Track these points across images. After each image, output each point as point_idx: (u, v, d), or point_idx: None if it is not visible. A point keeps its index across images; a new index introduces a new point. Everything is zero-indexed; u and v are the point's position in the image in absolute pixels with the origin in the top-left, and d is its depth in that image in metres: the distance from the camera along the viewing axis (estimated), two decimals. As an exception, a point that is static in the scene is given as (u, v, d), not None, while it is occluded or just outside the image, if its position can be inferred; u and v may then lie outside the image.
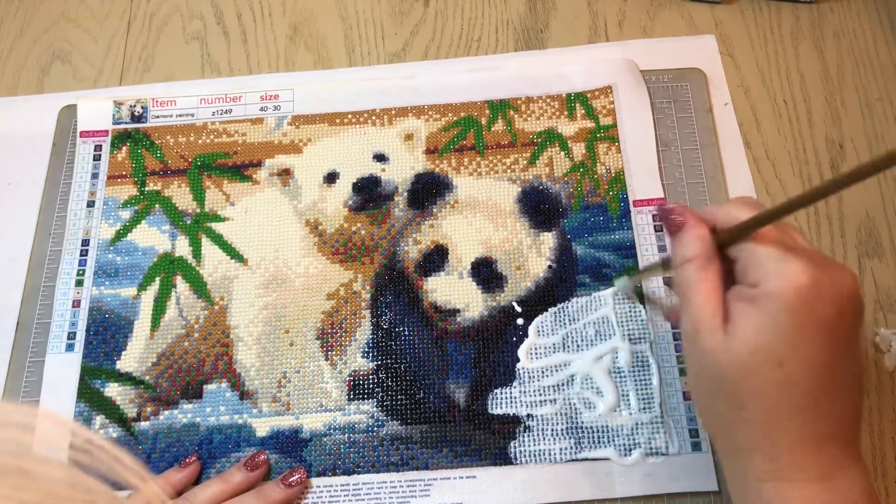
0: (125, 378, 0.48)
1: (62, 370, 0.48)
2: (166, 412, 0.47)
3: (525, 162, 0.53)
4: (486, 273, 0.49)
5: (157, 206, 0.53)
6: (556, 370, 0.47)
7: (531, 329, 0.48)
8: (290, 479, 0.44)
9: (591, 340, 0.47)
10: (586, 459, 0.45)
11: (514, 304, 0.49)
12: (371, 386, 0.47)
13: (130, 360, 0.49)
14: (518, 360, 0.47)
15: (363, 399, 0.47)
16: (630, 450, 0.44)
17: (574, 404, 0.46)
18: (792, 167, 0.53)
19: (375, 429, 0.46)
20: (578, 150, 0.53)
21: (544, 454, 0.45)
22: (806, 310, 0.31)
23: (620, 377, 0.46)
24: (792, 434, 0.33)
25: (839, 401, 0.33)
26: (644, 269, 0.48)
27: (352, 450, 0.46)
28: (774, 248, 0.33)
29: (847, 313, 0.32)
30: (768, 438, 0.33)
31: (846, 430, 0.33)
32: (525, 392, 0.46)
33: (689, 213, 0.36)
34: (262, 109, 0.56)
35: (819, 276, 0.32)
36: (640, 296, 0.48)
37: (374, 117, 0.55)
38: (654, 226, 0.50)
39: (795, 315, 0.31)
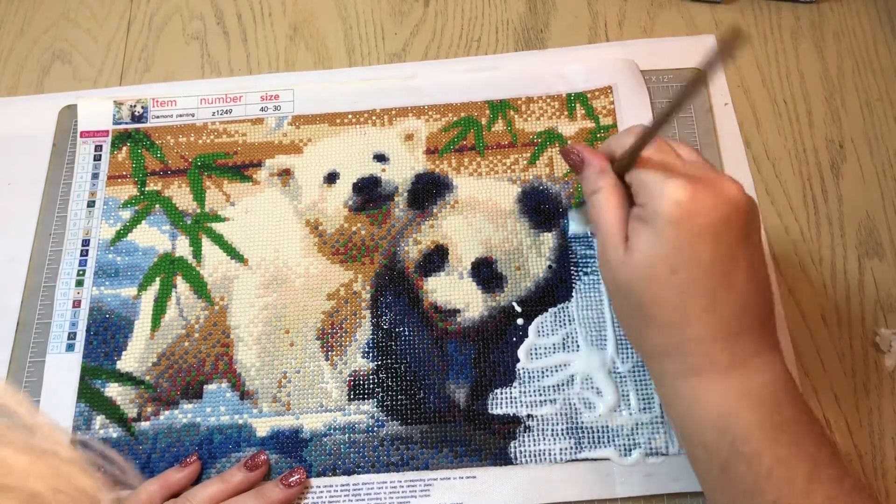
0: (125, 378, 0.48)
1: (62, 370, 0.48)
2: (166, 412, 0.47)
3: (525, 162, 0.53)
4: (486, 273, 0.49)
5: (157, 206, 0.53)
6: (556, 370, 0.47)
7: (531, 329, 0.48)
8: (290, 480, 0.44)
9: (592, 341, 0.47)
10: (586, 459, 0.45)
11: (514, 304, 0.49)
12: (371, 386, 0.47)
13: (131, 360, 0.49)
14: (518, 361, 0.47)
15: (363, 399, 0.47)
16: (630, 450, 0.44)
17: (574, 404, 0.46)
18: (792, 167, 0.53)
19: (375, 429, 0.46)
20: (578, 150, 0.53)
21: (544, 454, 0.45)
22: (688, 220, 0.35)
23: (620, 377, 0.46)
24: (696, 332, 0.36)
25: (740, 298, 0.35)
26: (581, 202, 0.49)
27: (352, 450, 0.46)
28: (656, 170, 0.36)
29: (731, 218, 0.35)
30: (675, 339, 0.36)
31: (755, 323, 0.36)
32: (525, 392, 0.46)
33: (588, 150, 0.40)
34: (262, 109, 0.56)
35: (696, 188, 0.35)
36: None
37: (374, 117, 0.55)
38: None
39: (679, 227, 0.35)
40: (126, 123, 0.56)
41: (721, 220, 0.35)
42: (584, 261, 0.49)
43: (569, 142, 0.53)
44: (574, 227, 0.50)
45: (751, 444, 0.34)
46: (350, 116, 0.55)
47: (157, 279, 0.51)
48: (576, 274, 0.49)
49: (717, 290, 0.35)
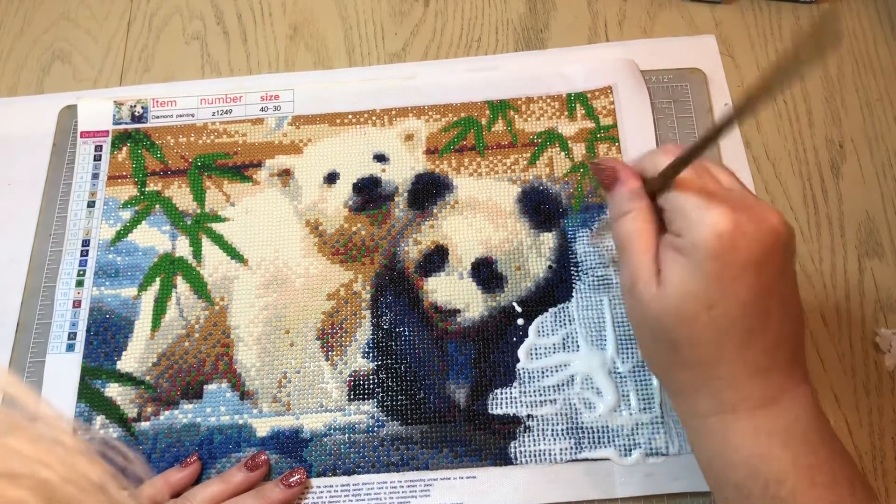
0: (125, 378, 0.48)
1: (63, 370, 0.48)
2: (167, 412, 0.47)
3: (525, 162, 0.53)
4: (486, 273, 0.49)
5: (157, 206, 0.53)
6: (556, 370, 0.47)
7: (531, 329, 0.48)
8: (290, 480, 0.44)
9: (592, 341, 0.47)
10: (586, 460, 0.45)
11: (515, 304, 0.49)
12: (371, 386, 0.47)
13: (131, 360, 0.49)
14: (518, 361, 0.47)
15: (363, 399, 0.47)
16: (630, 450, 0.44)
17: (574, 404, 0.46)
18: (792, 167, 0.53)
19: (376, 429, 0.46)
20: (579, 150, 0.53)
21: (544, 454, 0.45)
22: (729, 254, 0.32)
23: (620, 377, 0.46)
24: (730, 370, 0.34)
25: (774, 332, 0.34)
26: (604, 224, 0.47)
27: (352, 450, 0.46)
28: (695, 196, 0.33)
29: (772, 249, 0.33)
30: (708, 377, 0.34)
31: (787, 357, 0.34)
32: (525, 392, 0.46)
33: (622, 167, 0.37)
34: (262, 110, 0.56)
35: (739, 219, 0.32)
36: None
37: (374, 117, 0.55)
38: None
39: (719, 260, 0.32)
40: (126, 123, 0.56)
41: (763, 254, 0.33)
42: (584, 260, 0.49)
43: (569, 143, 0.53)
44: (586, 245, 0.48)
45: (785, 487, 0.33)
46: (350, 116, 0.55)
47: (158, 279, 0.51)
48: (576, 274, 0.49)
49: (753, 326, 0.33)
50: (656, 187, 0.35)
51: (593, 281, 0.49)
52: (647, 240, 0.35)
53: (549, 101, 0.55)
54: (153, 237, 0.52)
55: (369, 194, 0.52)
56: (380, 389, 0.47)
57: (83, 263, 0.51)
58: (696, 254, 0.33)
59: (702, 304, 0.33)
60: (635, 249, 0.35)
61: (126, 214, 0.53)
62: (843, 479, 0.34)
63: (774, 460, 0.33)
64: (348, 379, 0.48)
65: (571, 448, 0.45)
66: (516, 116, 0.54)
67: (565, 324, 0.48)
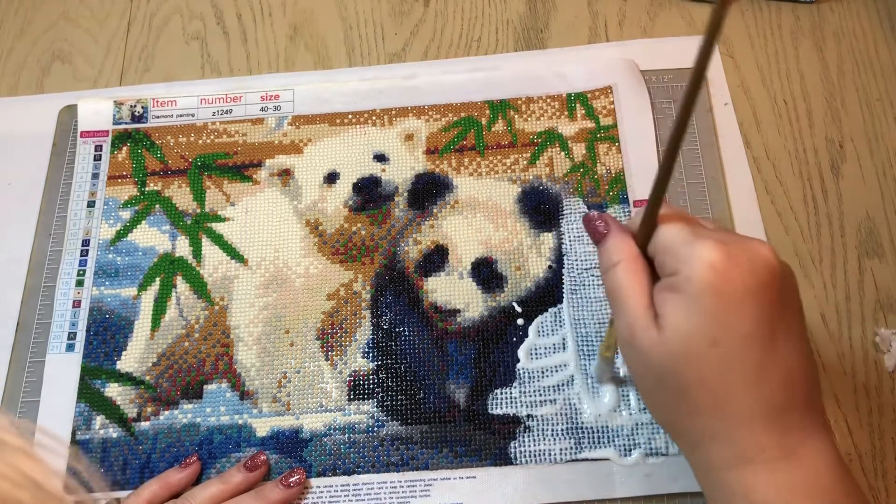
0: (125, 378, 0.48)
1: (62, 370, 0.48)
2: (166, 412, 0.47)
3: (525, 162, 0.53)
4: (486, 273, 0.49)
5: (157, 206, 0.53)
6: (556, 370, 0.47)
7: (531, 329, 0.48)
8: (290, 480, 0.44)
9: (592, 341, 0.47)
10: (586, 460, 0.45)
11: (515, 304, 0.49)
12: (371, 386, 0.47)
13: (131, 360, 0.49)
14: (518, 361, 0.47)
15: (363, 399, 0.47)
16: (630, 450, 0.44)
17: (574, 404, 0.46)
18: (792, 167, 0.53)
19: (375, 429, 0.46)
20: (579, 150, 0.53)
21: (544, 454, 0.45)
22: (725, 284, 0.31)
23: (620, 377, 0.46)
24: (745, 411, 0.32)
25: (784, 368, 0.32)
26: (605, 342, 0.44)
27: (352, 450, 0.46)
28: (682, 234, 0.33)
29: (769, 280, 0.32)
30: (723, 422, 0.32)
31: (802, 397, 0.33)
32: (525, 392, 0.46)
33: (612, 220, 0.36)
34: (262, 109, 0.56)
35: (730, 249, 0.32)
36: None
37: (374, 117, 0.55)
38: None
39: (716, 292, 0.31)
40: (126, 123, 0.56)
41: (760, 284, 0.32)
42: (579, 259, 0.49)
43: (569, 143, 0.53)
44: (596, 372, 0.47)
45: None
46: (350, 116, 0.55)
47: (157, 279, 0.51)
48: (576, 275, 0.49)
49: (761, 361, 0.32)
50: (643, 235, 0.35)
51: (593, 280, 0.49)
52: (639, 287, 0.34)
53: (549, 101, 0.55)
54: (153, 237, 0.52)
55: (369, 194, 0.52)
56: (380, 389, 0.47)
57: (83, 263, 0.51)
58: (692, 288, 0.32)
59: (706, 341, 0.32)
60: (629, 298, 0.34)
61: (126, 214, 0.53)
62: None
63: None
64: (348, 379, 0.48)
65: (571, 448, 0.45)
66: (516, 116, 0.54)
67: (565, 324, 0.48)
